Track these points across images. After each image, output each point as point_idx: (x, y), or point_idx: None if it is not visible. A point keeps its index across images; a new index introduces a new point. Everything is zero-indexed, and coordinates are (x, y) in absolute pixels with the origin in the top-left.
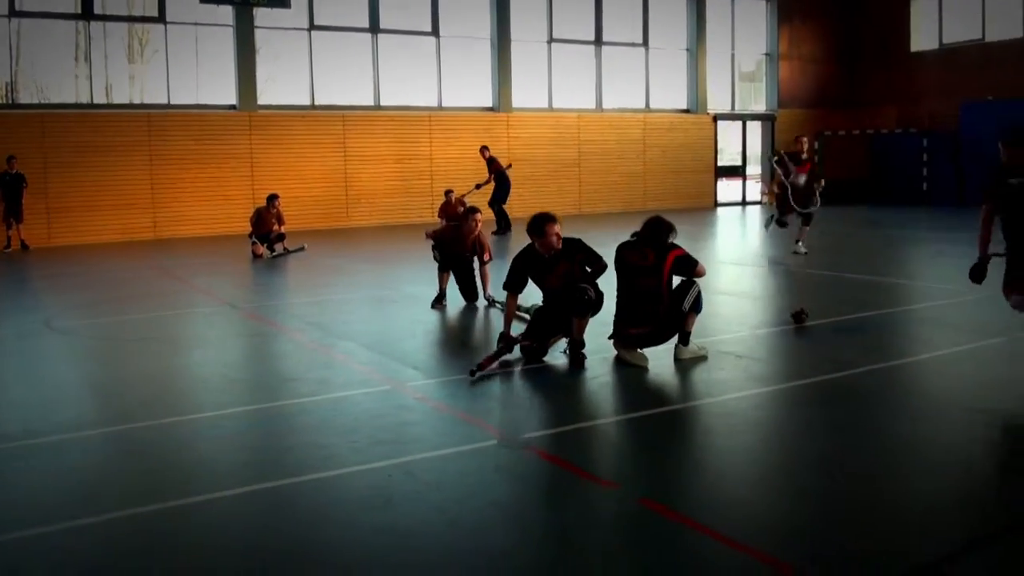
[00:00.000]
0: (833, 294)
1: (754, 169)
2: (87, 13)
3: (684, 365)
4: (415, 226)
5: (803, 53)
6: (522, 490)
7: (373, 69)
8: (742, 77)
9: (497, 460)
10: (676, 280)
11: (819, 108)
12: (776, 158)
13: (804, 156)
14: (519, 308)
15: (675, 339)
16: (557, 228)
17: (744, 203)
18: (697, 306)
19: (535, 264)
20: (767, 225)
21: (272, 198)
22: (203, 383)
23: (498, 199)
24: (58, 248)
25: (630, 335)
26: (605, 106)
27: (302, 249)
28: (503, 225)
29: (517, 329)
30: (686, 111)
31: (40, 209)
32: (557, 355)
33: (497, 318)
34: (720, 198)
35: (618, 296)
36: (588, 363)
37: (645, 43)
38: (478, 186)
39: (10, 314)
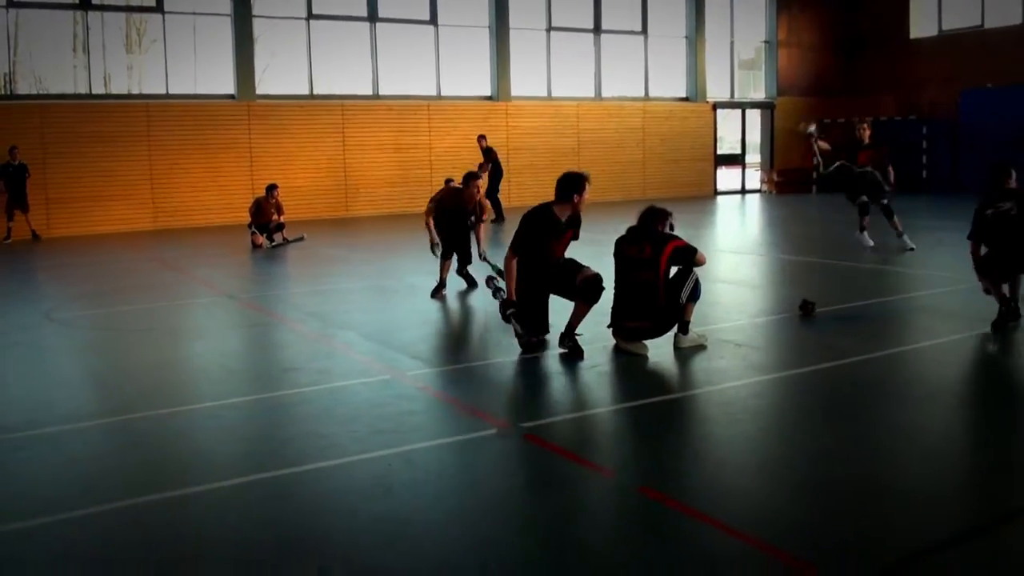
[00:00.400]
0: (832, 282)
1: (753, 157)
2: (85, 3)
3: (684, 354)
4: (414, 216)
5: (802, 40)
6: (521, 479)
7: (372, 58)
8: (741, 65)
9: (497, 449)
10: (674, 270)
11: (818, 96)
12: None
13: (866, 143)
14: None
15: (675, 328)
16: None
17: (744, 191)
18: (695, 295)
19: (549, 227)
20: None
21: (271, 188)
22: (203, 374)
23: (494, 189)
24: (57, 239)
25: (628, 329)
26: (604, 95)
27: (301, 239)
28: (499, 215)
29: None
30: (685, 99)
31: (39, 200)
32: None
33: (494, 306)
34: (720, 186)
35: (615, 289)
36: (587, 352)
37: (644, 31)
38: (481, 168)
39: (10, 305)
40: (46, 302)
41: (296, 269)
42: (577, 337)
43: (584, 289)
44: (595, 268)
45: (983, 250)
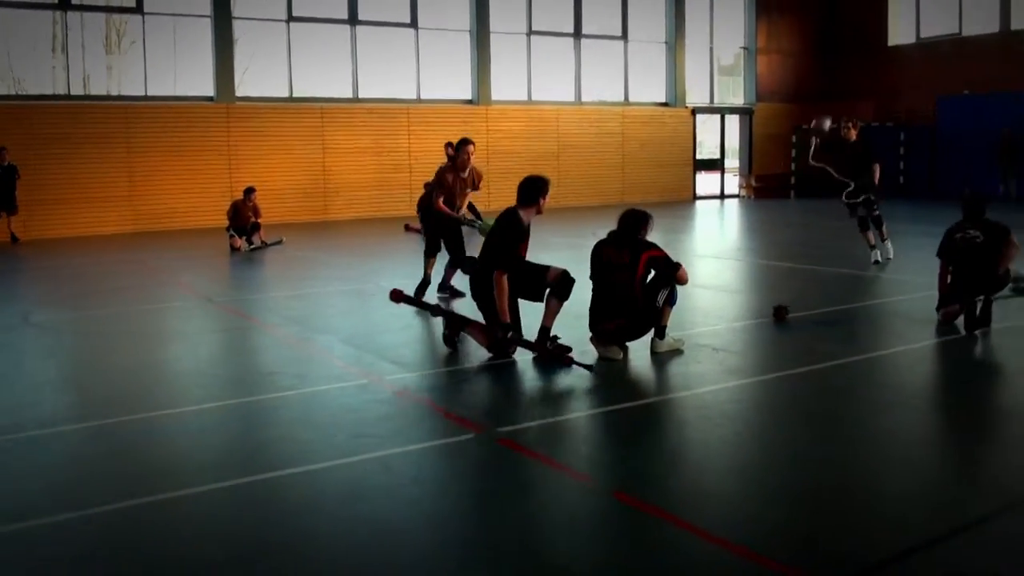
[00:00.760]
0: (810, 287)
1: (732, 162)
2: (64, 3)
3: (660, 358)
4: (394, 219)
5: (781, 47)
6: (498, 484)
7: (352, 61)
8: (721, 71)
9: (473, 454)
10: (653, 273)
11: (797, 102)
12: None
13: (853, 140)
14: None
15: (652, 333)
16: None
17: (723, 196)
18: (671, 299)
19: (520, 233)
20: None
21: (249, 191)
22: (181, 378)
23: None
24: (37, 241)
25: (606, 330)
26: (584, 99)
27: (280, 242)
28: (477, 217)
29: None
30: (665, 104)
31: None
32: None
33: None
34: (699, 191)
35: (593, 292)
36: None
37: (624, 36)
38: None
39: None
40: (24, 305)
41: (275, 272)
42: (555, 338)
43: (558, 285)
44: (559, 266)
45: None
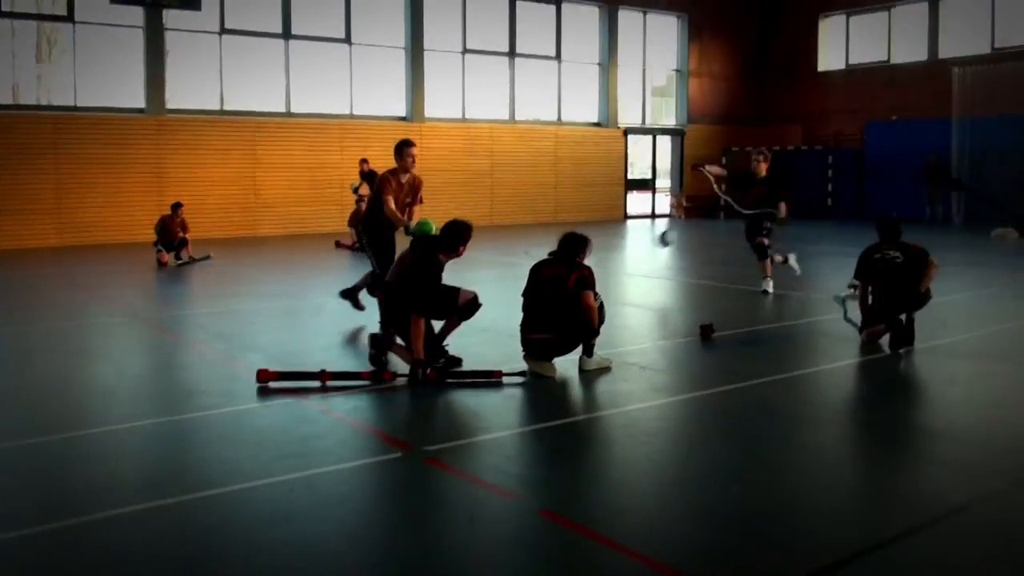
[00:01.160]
0: (737, 306)
1: (663, 183)
2: None
3: (588, 376)
4: (324, 235)
5: (713, 70)
6: (424, 503)
7: (285, 75)
8: (653, 92)
9: (400, 473)
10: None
11: (727, 124)
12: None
13: (762, 176)
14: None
15: (580, 350)
16: None
17: (654, 216)
18: (600, 318)
19: (437, 277)
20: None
21: (176, 206)
22: (105, 396)
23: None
24: None
25: (534, 341)
26: (518, 118)
27: (208, 258)
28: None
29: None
30: (597, 124)
31: None
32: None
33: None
34: (630, 210)
35: (524, 305)
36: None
37: (558, 56)
38: (355, 189)
39: None
40: None
41: (202, 289)
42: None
43: (466, 308)
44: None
45: (869, 300)
